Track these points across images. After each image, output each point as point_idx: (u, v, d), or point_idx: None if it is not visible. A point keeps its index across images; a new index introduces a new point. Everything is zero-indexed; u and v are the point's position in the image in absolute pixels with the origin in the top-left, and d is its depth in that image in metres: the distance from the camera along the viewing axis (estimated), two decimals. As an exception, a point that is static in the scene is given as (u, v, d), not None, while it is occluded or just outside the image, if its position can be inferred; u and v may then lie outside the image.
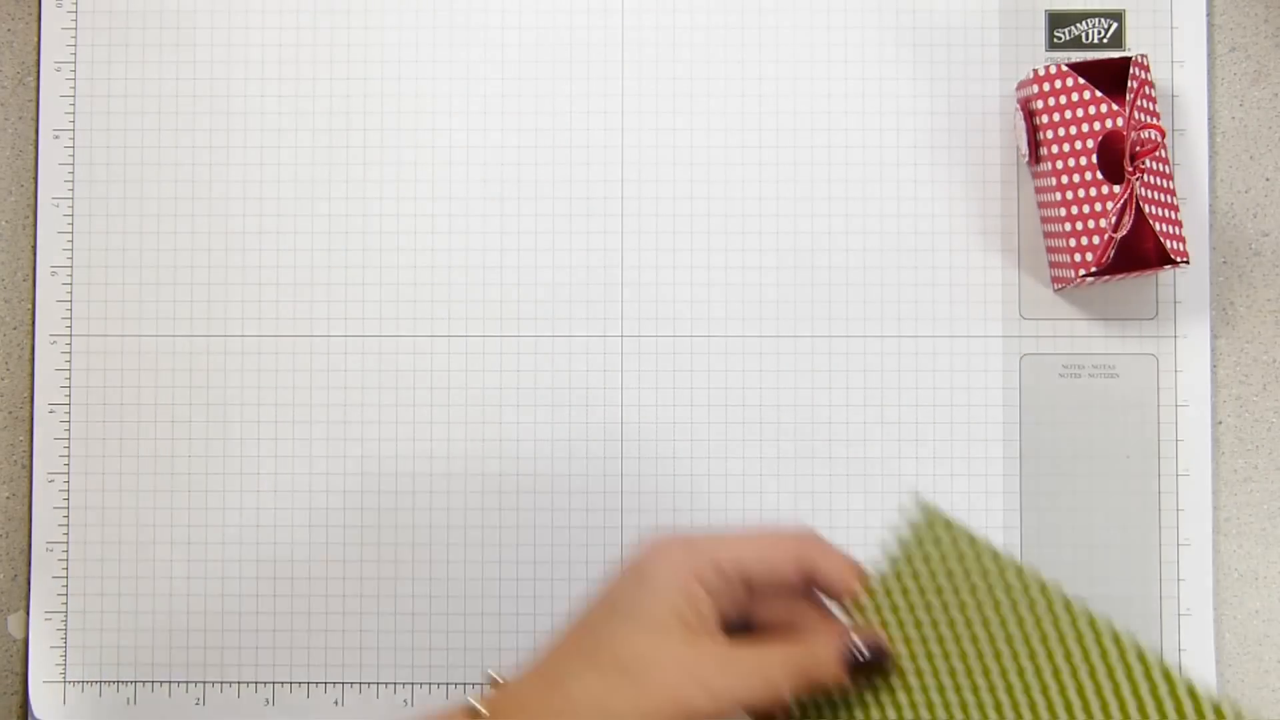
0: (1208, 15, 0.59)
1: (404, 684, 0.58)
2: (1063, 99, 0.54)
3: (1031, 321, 0.58)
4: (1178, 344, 0.58)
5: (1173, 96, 0.58)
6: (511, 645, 0.58)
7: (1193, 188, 0.58)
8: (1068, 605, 0.45)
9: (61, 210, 0.58)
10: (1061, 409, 0.58)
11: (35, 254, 0.58)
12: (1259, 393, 0.58)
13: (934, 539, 0.47)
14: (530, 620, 0.58)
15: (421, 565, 0.58)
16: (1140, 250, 0.55)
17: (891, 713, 0.47)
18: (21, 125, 0.59)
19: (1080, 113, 0.54)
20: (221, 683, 0.58)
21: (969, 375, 0.58)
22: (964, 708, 0.47)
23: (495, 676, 0.50)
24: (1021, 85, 0.56)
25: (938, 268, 0.58)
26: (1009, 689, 0.47)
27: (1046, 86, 0.54)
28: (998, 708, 0.47)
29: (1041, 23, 0.58)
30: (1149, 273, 0.56)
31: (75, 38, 0.59)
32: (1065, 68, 0.54)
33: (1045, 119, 0.54)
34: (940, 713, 0.47)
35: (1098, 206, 0.53)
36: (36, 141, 0.59)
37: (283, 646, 0.58)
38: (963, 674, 0.47)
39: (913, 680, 0.47)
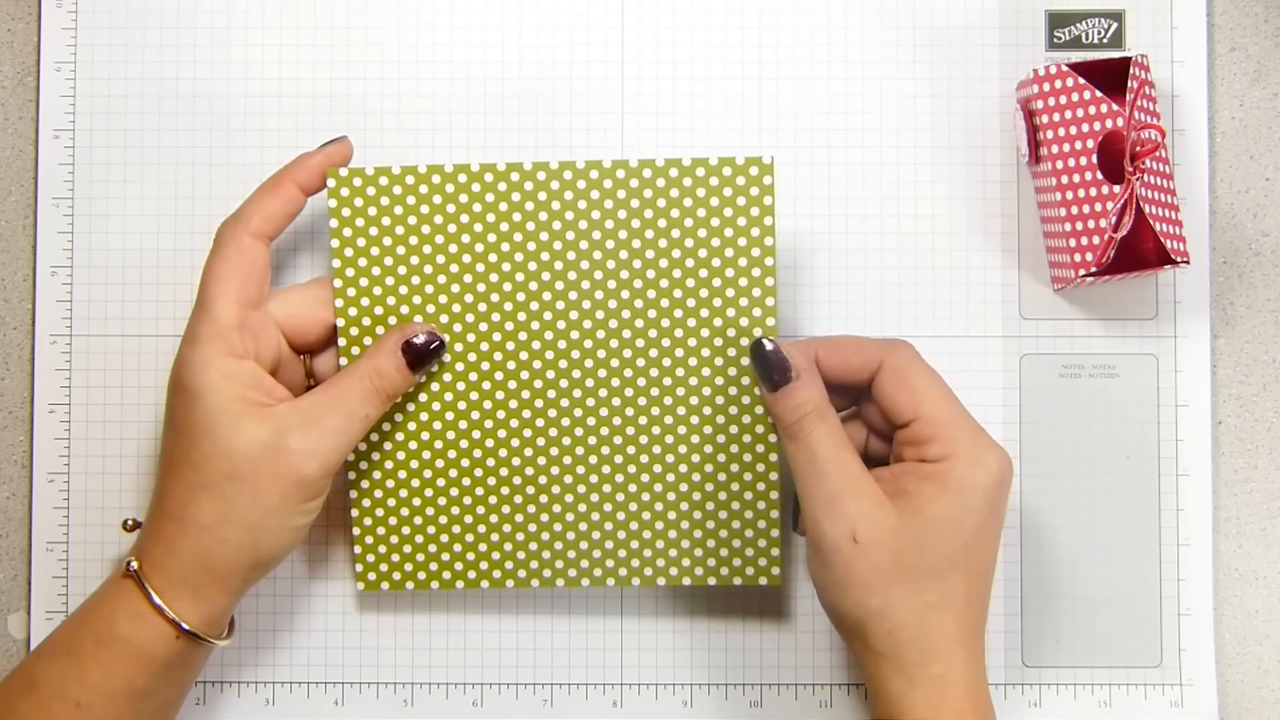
0: (1208, 15, 0.59)
1: (404, 684, 0.58)
2: (1063, 99, 0.54)
3: (1031, 321, 0.58)
4: (1178, 344, 0.58)
5: (1173, 96, 0.58)
6: (511, 645, 0.58)
7: (1193, 188, 0.58)
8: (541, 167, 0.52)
9: (61, 210, 0.58)
10: (1061, 409, 0.58)
11: (35, 254, 0.58)
12: (1259, 393, 0.58)
13: (366, 196, 0.52)
14: (530, 620, 0.58)
15: (421, 565, 0.58)
16: (1140, 250, 0.55)
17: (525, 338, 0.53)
18: (21, 125, 0.59)
19: (1080, 113, 0.54)
20: (221, 682, 0.58)
21: (969, 375, 0.58)
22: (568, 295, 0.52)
23: (129, 519, 0.55)
24: (1021, 85, 0.56)
25: (938, 268, 0.58)
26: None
27: (1046, 86, 0.54)
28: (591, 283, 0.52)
29: (1041, 23, 0.58)
30: (1149, 273, 0.56)
31: (75, 38, 0.59)
32: (1065, 68, 0.54)
33: (1045, 119, 0.54)
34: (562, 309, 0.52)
35: (1098, 206, 0.53)
36: (36, 141, 0.59)
37: (283, 647, 0.58)
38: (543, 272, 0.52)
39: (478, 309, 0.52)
